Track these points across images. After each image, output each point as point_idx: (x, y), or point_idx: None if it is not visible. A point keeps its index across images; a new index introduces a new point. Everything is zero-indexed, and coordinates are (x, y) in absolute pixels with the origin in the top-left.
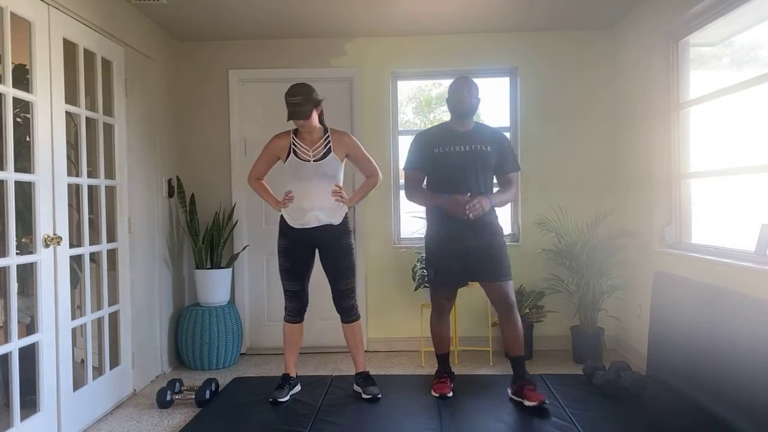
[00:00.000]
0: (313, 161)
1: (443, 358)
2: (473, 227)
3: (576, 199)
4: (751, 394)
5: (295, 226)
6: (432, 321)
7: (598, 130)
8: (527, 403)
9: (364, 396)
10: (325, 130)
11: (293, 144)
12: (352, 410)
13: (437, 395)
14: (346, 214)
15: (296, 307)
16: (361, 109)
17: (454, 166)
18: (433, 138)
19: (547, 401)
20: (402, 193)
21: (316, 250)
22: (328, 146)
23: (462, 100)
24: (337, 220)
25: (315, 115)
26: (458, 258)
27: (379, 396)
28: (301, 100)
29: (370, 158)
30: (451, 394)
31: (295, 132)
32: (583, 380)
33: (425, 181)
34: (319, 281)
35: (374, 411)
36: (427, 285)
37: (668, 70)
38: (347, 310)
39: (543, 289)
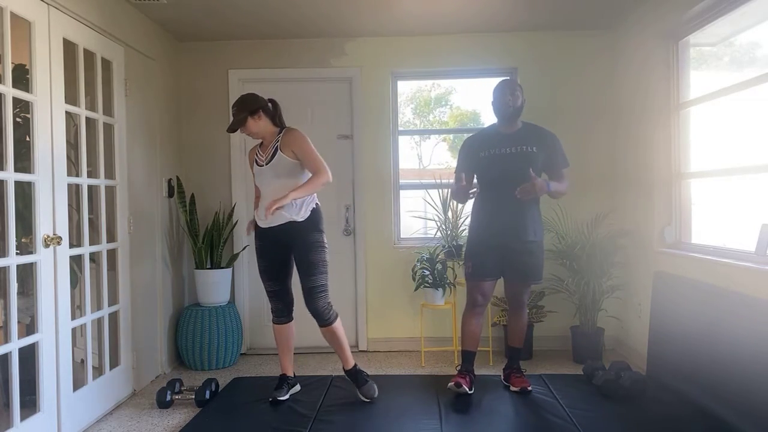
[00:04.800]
0: (266, 165)
1: (468, 356)
2: (516, 225)
3: (576, 199)
4: (751, 394)
5: (263, 226)
6: (464, 315)
7: (598, 130)
8: (512, 388)
9: (362, 399)
10: (280, 131)
11: (257, 153)
12: (352, 410)
13: (452, 384)
14: (314, 210)
15: (279, 307)
16: (361, 109)
17: (500, 168)
18: (479, 142)
19: (529, 388)
20: (402, 193)
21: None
22: (276, 146)
23: (506, 104)
24: (301, 217)
25: (253, 122)
26: (496, 254)
27: (375, 396)
28: (234, 112)
29: (317, 156)
30: (469, 390)
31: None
32: (583, 380)
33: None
34: None
35: (374, 411)
36: (428, 285)
37: (668, 70)
38: (319, 313)
39: (543, 289)
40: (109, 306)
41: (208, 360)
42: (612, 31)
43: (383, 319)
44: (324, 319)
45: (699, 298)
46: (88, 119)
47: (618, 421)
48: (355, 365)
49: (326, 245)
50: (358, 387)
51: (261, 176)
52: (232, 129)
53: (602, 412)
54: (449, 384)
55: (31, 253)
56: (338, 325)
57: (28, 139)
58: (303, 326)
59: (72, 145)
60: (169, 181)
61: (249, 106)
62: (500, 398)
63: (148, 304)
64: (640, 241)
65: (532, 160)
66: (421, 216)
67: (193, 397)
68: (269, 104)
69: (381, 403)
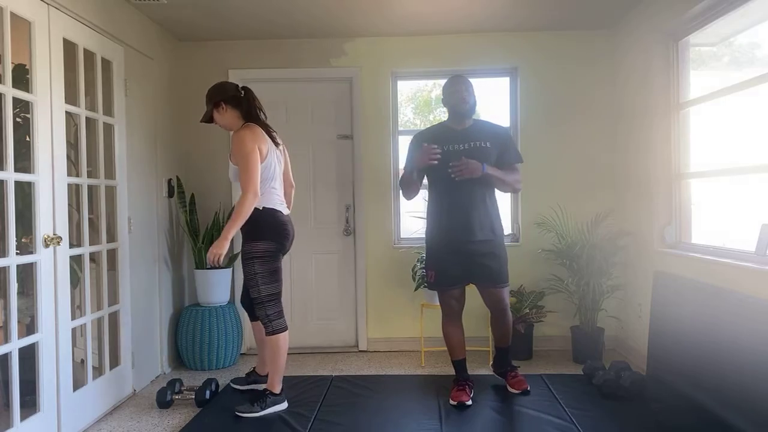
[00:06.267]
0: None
1: (459, 365)
2: (475, 227)
3: (576, 199)
4: (751, 394)
5: None
6: (443, 326)
7: (598, 130)
8: (512, 390)
9: (236, 412)
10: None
11: None
12: (353, 410)
13: (455, 403)
14: (250, 216)
15: (247, 303)
16: (361, 109)
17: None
18: (431, 138)
19: (528, 388)
20: (402, 193)
21: None
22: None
23: (463, 100)
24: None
25: (219, 116)
26: (459, 259)
27: (242, 414)
28: (206, 103)
29: (248, 169)
30: (470, 402)
31: None
32: (583, 380)
33: (425, 180)
34: (311, 283)
35: (374, 411)
36: (427, 285)
37: (668, 70)
38: (261, 321)
39: (543, 289)
40: (109, 306)
41: (208, 360)
42: (612, 31)
43: (383, 319)
44: (264, 326)
45: (699, 298)
46: (88, 119)
47: (618, 421)
48: (267, 390)
49: (260, 255)
50: (248, 400)
51: None
52: (202, 120)
53: (602, 412)
54: (451, 402)
55: (31, 253)
56: (278, 340)
57: (28, 139)
58: (303, 326)
59: (72, 145)
60: (169, 181)
61: (213, 98)
62: (500, 398)
63: (148, 304)
64: (640, 241)
65: (486, 155)
66: (421, 216)
67: (193, 397)
68: (240, 93)
69: (381, 403)
